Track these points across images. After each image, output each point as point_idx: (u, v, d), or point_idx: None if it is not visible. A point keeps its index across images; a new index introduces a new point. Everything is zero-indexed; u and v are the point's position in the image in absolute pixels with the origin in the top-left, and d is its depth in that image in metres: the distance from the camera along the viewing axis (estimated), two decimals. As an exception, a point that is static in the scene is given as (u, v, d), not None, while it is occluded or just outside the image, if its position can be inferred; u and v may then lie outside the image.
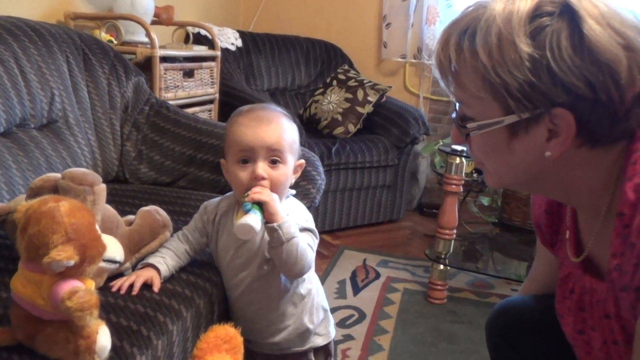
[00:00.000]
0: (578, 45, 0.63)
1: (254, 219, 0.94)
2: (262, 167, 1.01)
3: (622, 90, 0.64)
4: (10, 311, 0.84)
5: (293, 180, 1.10)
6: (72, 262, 0.76)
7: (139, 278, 1.03)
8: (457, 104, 0.77)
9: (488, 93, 0.68)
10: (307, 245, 1.02)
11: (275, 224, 0.97)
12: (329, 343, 1.20)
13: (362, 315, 1.97)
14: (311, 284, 1.14)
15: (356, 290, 2.17)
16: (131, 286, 1.02)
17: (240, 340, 1.00)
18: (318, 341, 1.17)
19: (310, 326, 1.14)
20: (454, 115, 0.78)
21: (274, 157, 1.03)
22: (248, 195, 0.98)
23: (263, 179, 1.01)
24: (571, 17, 0.64)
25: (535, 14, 0.65)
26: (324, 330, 1.18)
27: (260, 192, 0.98)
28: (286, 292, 1.10)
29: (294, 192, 1.13)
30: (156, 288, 1.04)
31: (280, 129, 1.04)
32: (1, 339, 0.82)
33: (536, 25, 0.65)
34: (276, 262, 1.02)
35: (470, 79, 0.70)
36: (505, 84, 0.66)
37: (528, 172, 0.73)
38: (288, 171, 1.05)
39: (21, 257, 0.81)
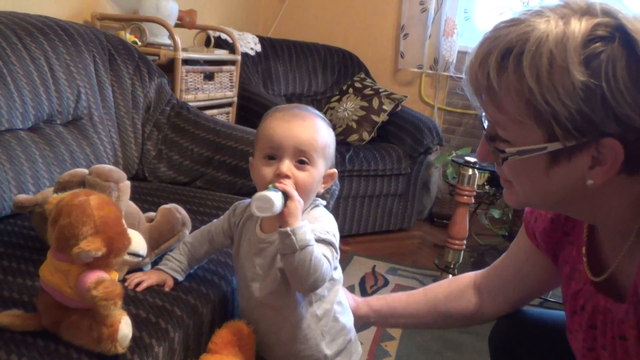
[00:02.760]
0: (635, 75, 0.60)
1: (276, 196, 0.87)
2: (287, 166, 0.94)
3: None
4: (37, 298, 0.88)
5: (321, 190, 1.02)
6: (99, 253, 0.80)
7: (149, 280, 1.05)
8: (487, 122, 0.72)
9: (531, 119, 0.64)
10: (322, 256, 0.91)
11: (288, 229, 0.87)
12: None
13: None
14: (329, 304, 1.03)
15: (365, 296, 2.19)
16: (138, 284, 1.04)
17: (253, 338, 1.03)
18: None
19: (328, 352, 1.04)
20: (485, 134, 0.73)
21: (302, 158, 0.95)
22: (275, 184, 0.91)
23: (287, 177, 0.93)
24: (627, 43, 0.61)
25: (589, 38, 0.61)
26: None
27: (287, 185, 0.91)
28: (301, 311, 1.01)
29: (324, 202, 1.05)
30: (167, 288, 1.05)
31: (313, 128, 0.98)
32: (28, 325, 0.86)
33: (590, 51, 0.61)
34: (287, 273, 0.93)
35: (511, 102, 0.65)
36: (554, 112, 0.62)
37: (561, 197, 0.70)
38: (316, 175, 0.97)
39: (51, 246, 0.85)
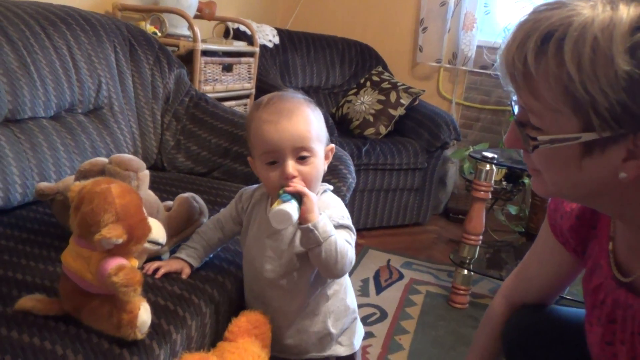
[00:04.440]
0: None
1: (291, 207, 0.90)
2: (291, 166, 0.96)
3: None
4: (59, 283, 0.90)
5: (325, 168, 1.04)
6: (120, 241, 0.81)
7: (166, 266, 1.07)
8: (518, 108, 0.70)
9: (568, 107, 0.61)
10: (345, 242, 0.96)
11: (310, 224, 0.91)
12: (353, 355, 1.13)
13: (383, 314, 2.00)
14: (339, 285, 1.08)
15: (379, 289, 2.20)
16: (155, 271, 1.06)
17: (269, 327, 1.04)
18: (339, 350, 1.11)
19: (334, 331, 1.08)
20: (515, 119, 0.71)
21: (303, 154, 0.97)
22: (285, 188, 0.94)
23: (294, 177, 0.97)
24: None
25: (637, 25, 0.58)
26: (348, 340, 1.12)
27: (297, 185, 0.95)
28: (314, 291, 1.05)
29: (331, 187, 1.08)
30: (184, 276, 1.07)
31: (304, 120, 0.98)
32: (50, 309, 0.88)
33: (637, 39, 0.58)
34: (315, 264, 0.98)
35: (548, 89, 0.62)
36: (593, 101, 0.59)
37: (591, 190, 0.68)
38: (319, 163, 1.00)
39: (73, 233, 0.87)
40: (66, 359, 0.80)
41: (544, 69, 0.62)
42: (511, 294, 1.08)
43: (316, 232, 0.92)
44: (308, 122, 0.98)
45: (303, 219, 0.92)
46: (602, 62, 0.58)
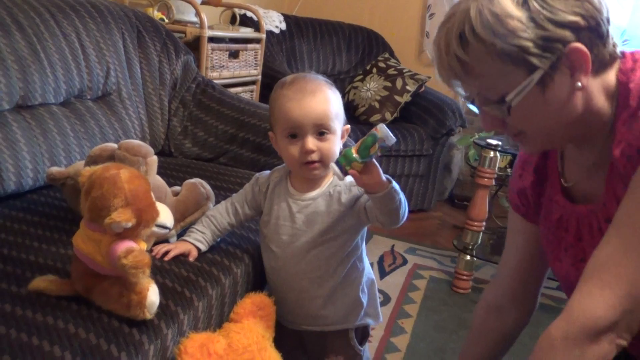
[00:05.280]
0: None
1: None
2: (311, 142, 1.03)
3: (599, 11, 0.75)
4: (70, 265, 0.93)
5: (341, 146, 1.10)
6: (129, 224, 0.84)
7: (175, 249, 1.10)
8: (475, 98, 0.83)
9: (509, 64, 0.76)
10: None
11: (392, 185, 0.97)
12: (367, 326, 1.20)
13: (387, 298, 2.03)
14: (364, 258, 1.16)
15: (383, 274, 2.23)
16: (165, 254, 1.09)
17: (273, 308, 1.07)
18: (369, 320, 1.19)
19: (364, 300, 1.15)
20: (478, 107, 0.84)
21: (322, 130, 1.04)
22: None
23: (312, 152, 1.03)
24: None
25: None
26: (375, 310, 1.19)
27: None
28: (348, 261, 1.11)
29: None
30: (191, 258, 1.10)
31: (325, 100, 1.05)
32: (62, 290, 0.91)
33: None
34: (391, 219, 1.02)
35: (486, 63, 0.77)
36: (521, 48, 0.74)
37: (567, 117, 0.79)
38: (336, 140, 1.07)
39: (83, 217, 0.90)
40: (78, 337, 0.83)
41: (474, 54, 0.77)
42: (489, 292, 1.12)
43: (397, 187, 0.99)
44: (329, 102, 1.05)
45: (379, 185, 0.97)
46: (505, 20, 0.74)
